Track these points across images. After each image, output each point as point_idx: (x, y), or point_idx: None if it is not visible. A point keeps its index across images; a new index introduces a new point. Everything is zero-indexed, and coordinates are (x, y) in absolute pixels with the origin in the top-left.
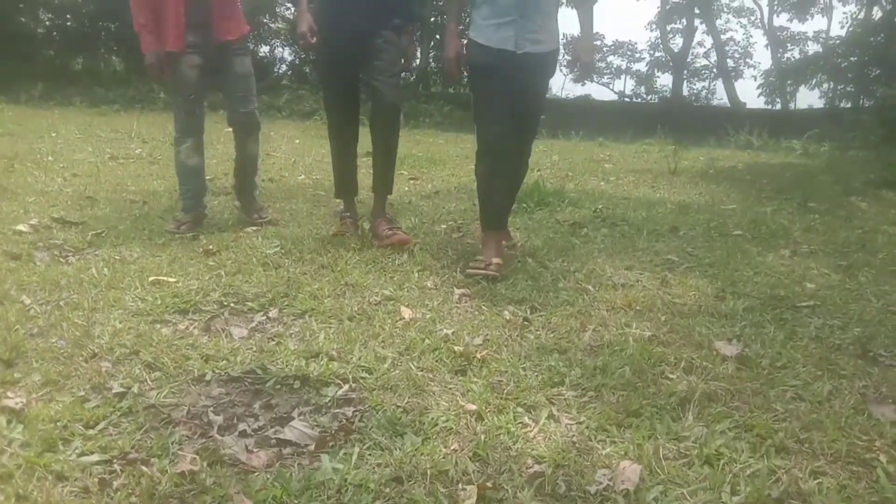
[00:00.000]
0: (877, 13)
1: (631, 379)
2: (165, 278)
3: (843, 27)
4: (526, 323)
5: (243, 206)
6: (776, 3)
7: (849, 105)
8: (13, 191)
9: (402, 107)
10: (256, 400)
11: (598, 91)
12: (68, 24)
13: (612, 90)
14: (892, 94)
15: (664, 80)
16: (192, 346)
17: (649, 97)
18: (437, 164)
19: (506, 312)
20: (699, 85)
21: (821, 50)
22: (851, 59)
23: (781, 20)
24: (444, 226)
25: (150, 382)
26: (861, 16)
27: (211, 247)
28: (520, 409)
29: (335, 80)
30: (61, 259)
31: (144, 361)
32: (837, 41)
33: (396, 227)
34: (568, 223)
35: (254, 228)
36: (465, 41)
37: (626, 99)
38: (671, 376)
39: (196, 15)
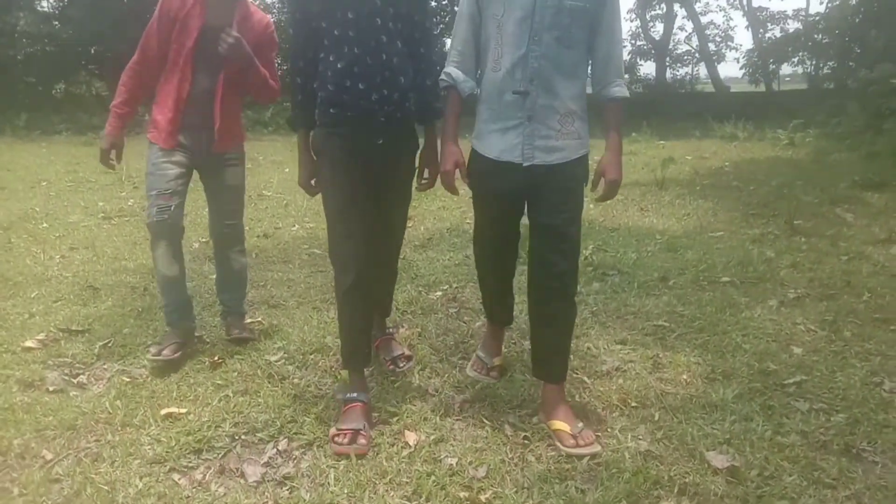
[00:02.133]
0: None
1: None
2: (177, 409)
3: (821, 4)
4: (526, 441)
5: (225, 321)
6: None
7: (832, 86)
8: (15, 281)
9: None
10: None
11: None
12: (48, 48)
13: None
14: (873, 77)
15: (647, 67)
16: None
17: (634, 86)
18: (427, 194)
19: (506, 426)
20: (682, 70)
21: (801, 27)
22: (835, 32)
23: (761, 0)
24: (439, 293)
25: None
26: None
27: (216, 357)
28: None
29: (347, 240)
30: (72, 380)
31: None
32: (817, 17)
33: (401, 357)
34: None
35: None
36: (470, 150)
37: None
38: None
39: (195, 117)
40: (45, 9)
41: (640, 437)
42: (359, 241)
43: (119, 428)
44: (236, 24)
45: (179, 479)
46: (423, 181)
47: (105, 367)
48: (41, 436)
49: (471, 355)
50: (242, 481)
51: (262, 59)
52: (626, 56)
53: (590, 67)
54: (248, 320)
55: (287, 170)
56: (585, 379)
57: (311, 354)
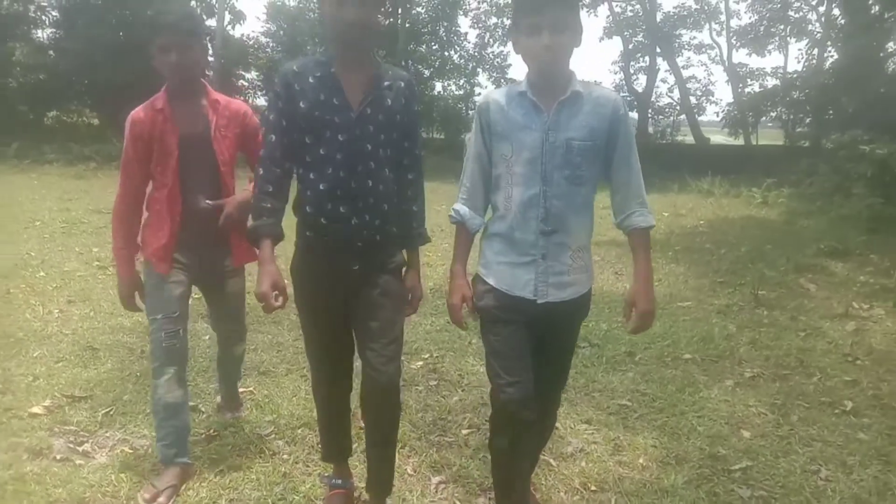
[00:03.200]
0: (829, 54)
1: None
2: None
3: (799, 62)
4: None
5: (220, 395)
6: (734, 38)
7: (807, 144)
8: (16, 338)
9: (401, 386)
10: None
11: None
12: (42, 77)
13: None
14: (844, 141)
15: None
16: None
17: None
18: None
19: None
20: (664, 122)
21: (779, 84)
22: (808, 91)
23: (741, 56)
24: (420, 363)
25: None
26: (815, 54)
27: (212, 430)
28: None
29: (323, 351)
30: (77, 448)
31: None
32: (794, 75)
33: None
34: None
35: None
36: (473, 277)
37: None
38: None
39: (192, 237)
40: (42, 39)
41: None
42: (334, 369)
43: (125, 502)
44: (214, 118)
45: None
46: (407, 307)
47: (107, 435)
48: None
49: (449, 431)
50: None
51: (252, 145)
52: None
53: (611, 197)
54: (241, 389)
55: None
56: (552, 461)
57: (299, 429)
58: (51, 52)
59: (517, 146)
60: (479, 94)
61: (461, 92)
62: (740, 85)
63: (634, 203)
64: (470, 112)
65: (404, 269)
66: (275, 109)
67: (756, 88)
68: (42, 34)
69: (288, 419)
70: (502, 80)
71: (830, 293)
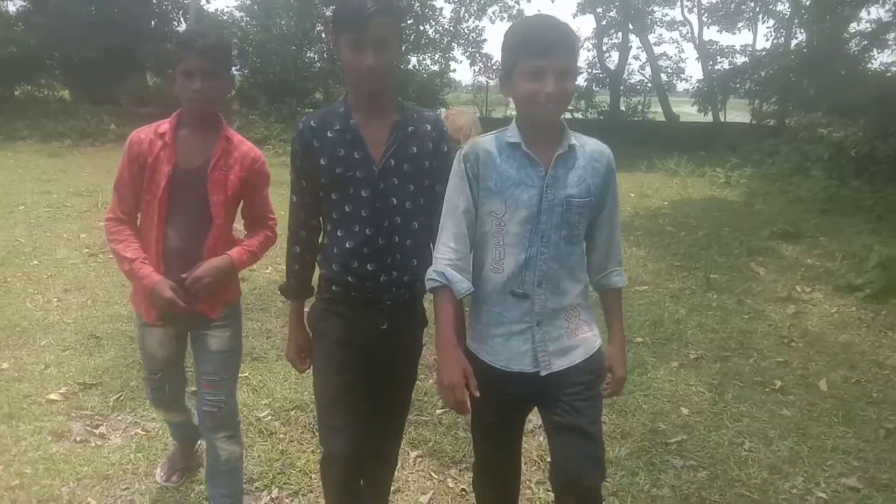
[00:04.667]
0: (796, 34)
1: None
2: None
3: (767, 40)
4: (464, 492)
5: None
6: (705, 15)
7: (772, 123)
8: (22, 327)
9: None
10: None
11: None
12: (12, 50)
13: None
14: (805, 123)
15: (603, 94)
16: None
17: (589, 112)
18: None
19: (449, 479)
20: (635, 99)
21: (748, 61)
22: (774, 69)
23: (711, 33)
24: None
25: None
26: (782, 33)
27: None
28: None
29: (336, 431)
30: (94, 430)
31: None
32: (763, 52)
33: None
34: None
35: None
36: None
37: (568, 115)
38: None
39: (173, 279)
40: (11, 12)
41: (549, 489)
42: (350, 435)
43: (143, 477)
44: (217, 154)
45: None
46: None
47: (120, 418)
48: (81, 484)
49: (425, 411)
50: None
51: (253, 198)
52: (582, 83)
53: (587, 254)
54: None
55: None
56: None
57: (292, 411)
58: (20, 26)
59: (511, 204)
60: (454, 69)
61: (436, 67)
62: (710, 62)
63: (614, 262)
64: (445, 88)
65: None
66: (294, 169)
67: (726, 66)
68: (11, 7)
69: (282, 402)
70: (477, 55)
71: (778, 276)
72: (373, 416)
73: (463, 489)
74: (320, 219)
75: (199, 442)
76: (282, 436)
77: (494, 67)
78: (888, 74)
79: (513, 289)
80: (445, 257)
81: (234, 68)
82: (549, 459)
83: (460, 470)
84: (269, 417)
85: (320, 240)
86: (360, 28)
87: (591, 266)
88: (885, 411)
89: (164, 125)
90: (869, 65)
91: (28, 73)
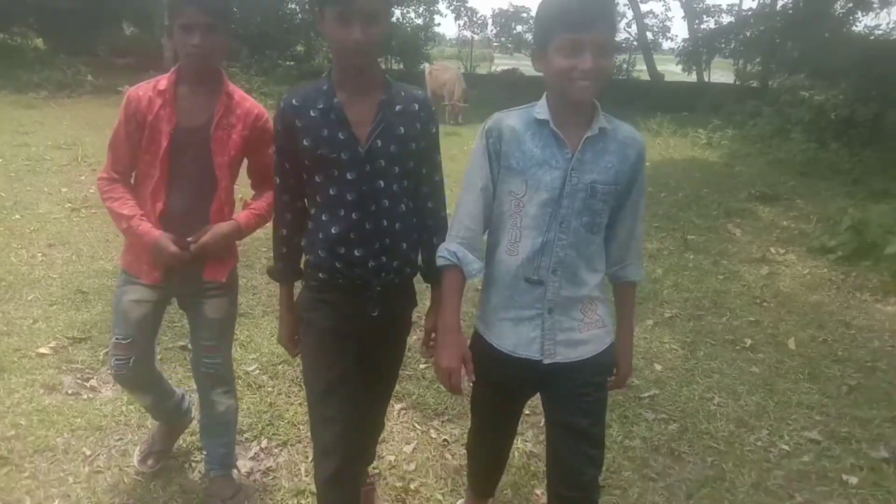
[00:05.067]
0: None
1: (511, 499)
2: None
3: (753, 0)
4: (445, 442)
5: (208, 476)
6: None
7: (756, 84)
8: (7, 281)
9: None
10: None
11: (525, 62)
12: None
13: None
14: (787, 85)
15: None
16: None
17: None
18: None
19: (432, 431)
20: (620, 57)
21: (733, 21)
22: (759, 29)
23: None
24: None
25: None
26: None
27: None
28: None
29: (330, 424)
30: (84, 383)
31: None
32: (749, 12)
33: None
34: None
35: None
36: (472, 332)
37: None
38: (538, 492)
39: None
40: None
41: (527, 440)
42: (344, 424)
43: (136, 428)
44: (220, 112)
45: (189, 471)
46: (431, 344)
47: (110, 372)
48: (76, 435)
49: (409, 366)
50: (236, 472)
51: (259, 157)
52: None
53: (605, 242)
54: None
55: None
56: None
57: (279, 365)
58: None
59: (533, 184)
60: (439, 23)
61: (420, 20)
62: (696, 21)
63: (633, 254)
64: (429, 42)
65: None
66: (277, 150)
67: (712, 25)
68: None
69: (269, 357)
70: (462, 9)
71: (754, 238)
72: (363, 396)
73: (445, 440)
74: (304, 201)
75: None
76: (269, 389)
77: (479, 21)
78: (871, 38)
79: (527, 273)
80: (459, 235)
81: (231, 22)
82: (526, 412)
83: (442, 421)
84: (258, 371)
85: (306, 224)
86: (347, 1)
87: (609, 256)
88: (849, 369)
89: (164, 81)
90: (853, 27)
91: (2, 22)
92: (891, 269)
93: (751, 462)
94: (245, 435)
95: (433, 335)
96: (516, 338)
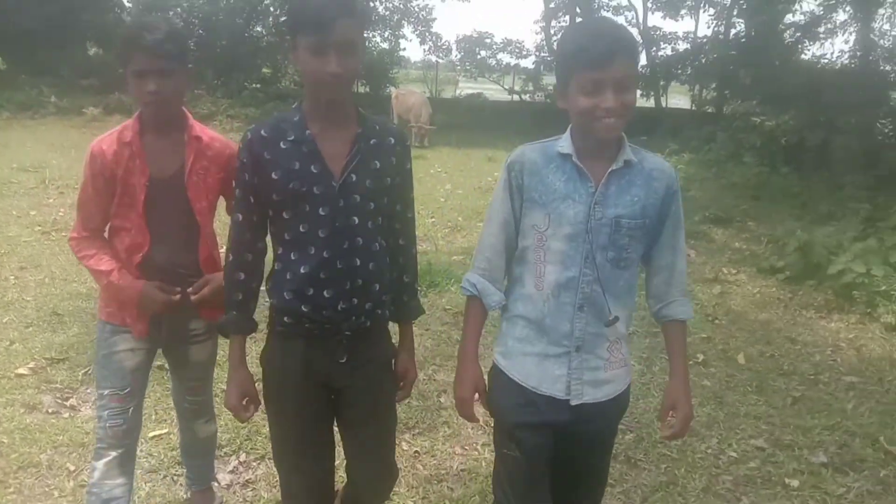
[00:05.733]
0: (735, 23)
1: None
2: (160, 431)
3: (709, 28)
4: (416, 454)
5: (191, 494)
6: (650, 1)
7: (712, 110)
8: None
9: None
10: None
11: (489, 87)
12: None
13: (504, 87)
14: (740, 111)
15: (550, 78)
16: None
17: (537, 95)
18: None
19: (403, 443)
20: None
21: (689, 48)
22: (714, 56)
23: (655, 19)
24: None
25: None
26: (723, 22)
27: None
28: None
29: (298, 456)
30: (64, 403)
31: None
32: (704, 39)
33: None
34: (452, 312)
35: None
36: (490, 368)
37: (516, 96)
38: None
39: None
40: None
41: (493, 451)
42: (311, 476)
43: None
44: (191, 158)
45: (171, 484)
46: (399, 391)
47: (88, 391)
48: (59, 451)
49: None
50: (216, 484)
51: (231, 198)
52: (530, 66)
53: (646, 280)
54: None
55: None
56: None
57: (257, 383)
58: None
59: (555, 219)
60: (405, 48)
61: (386, 45)
62: (654, 48)
63: (677, 291)
64: (395, 67)
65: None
66: (241, 183)
67: (669, 52)
68: None
69: None
70: (427, 34)
71: (707, 258)
72: (331, 449)
73: (416, 451)
74: (265, 241)
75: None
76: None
77: (444, 46)
78: (818, 66)
79: (553, 309)
80: (480, 266)
81: (189, 61)
82: (491, 423)
83: (413, 435)
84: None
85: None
86: (323, 32)
87: (651, 293)
88: (794, 381)
89: (127, 132)
90: (802, 55)
91: None
92: (833, 287)
93: (701, 468)
94: (224, 450)
95: (404, 379)
96: (541, 374)
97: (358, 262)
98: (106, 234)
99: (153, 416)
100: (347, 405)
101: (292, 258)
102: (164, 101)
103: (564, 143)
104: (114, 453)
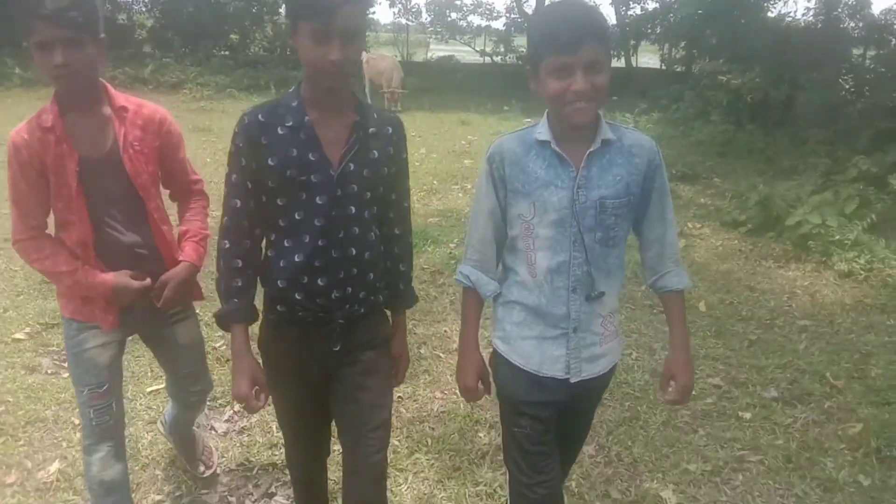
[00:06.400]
0: None
1: (458, 443)
2: (157, 387)
3: None
4: (400, 399)
5: (187, 463)
6: None
7: (681, 69)
8: None
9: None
10: (248, 483)
11: (461, 49)
12: None
13: (474, 49)
14: (707, 69)
15: (521, 40)
16: None
17: (508, 56)
18: None
19: None
20: None
21: (658, 7)
22: (681, 15)
23: None
24: None
25: (185, 480)
26: None
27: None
28: (396, 472)
29: (300, 430)
30: (62, 364)
31: (182, 468)
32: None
33: None
34: (429, 271)
35: None
36: (491, 354)
37: (488, 58)
38: (481, 434)
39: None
40: None
41: None
42: (313, 455)
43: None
44: (122, 131)
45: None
46: (393, 377)
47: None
48: (63, 407)
49: None
50: (214, 432)
51: (172, 163)
52: (501, 28)
53: (641, 254)
54: None
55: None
56: (441, 355)
57: None
58: None
59: (540, 206)
60: (374, 11)
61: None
62: (623, 7)
63: (670, 262)
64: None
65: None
66: (237, 168)
67: (638, 12)
68: None
69: None
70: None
71: (674, 215)
72: (351, 427)
73: (399, 396)
74: (262, 231)
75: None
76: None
77: (413, 9)
78: (782, 24)
79: (546, 293)
80: (472, 258)
81: (101, 29)
82: None
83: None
84: (224, 347)
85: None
86: (327, 18)
87: (646, 266)
88: (751, 326)
89: (47, 116)
90: (768, 13)
91: None
92: (791, 238)
93: (661, 405)
94: (219, 401)
95: (397, 364)
96: (541, 356)
97: (353, 252)
98: (52, 232)
99: (149, 374)
100: (340, 386)
101: (286, 245)
102: (74, 74)
103: (542, 130)
104: (105, 447)
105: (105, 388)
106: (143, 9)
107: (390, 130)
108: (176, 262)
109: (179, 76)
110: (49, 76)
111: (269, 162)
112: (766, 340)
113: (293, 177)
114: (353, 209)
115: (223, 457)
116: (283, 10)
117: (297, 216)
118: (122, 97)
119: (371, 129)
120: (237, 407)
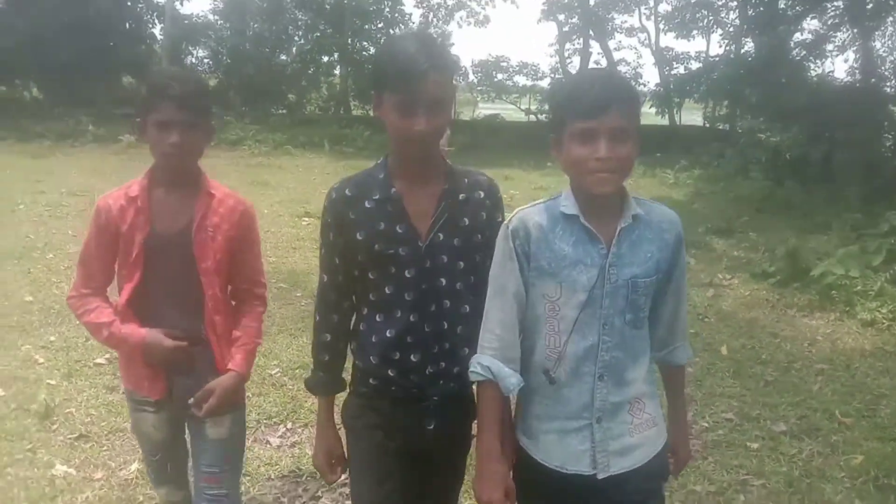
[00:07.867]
0: (746, 44)
1: None
2: None
3: (720, 47)
4: None
5: None
6: (662, 22)
7: (726, 127)
8: (56, 309)
9: None
10: (298, 487)
11: (506, 108)
12: None
13: (520, 107)
14: (747, 128)
15: None
16: (257, 458)
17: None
18: None
19: None
20: None
21: (702, 66)
22: (725, 73)
23: (668, 40)
24: None
25: (245, 482)
26: (732, 42)
27: None
28: None
29: None
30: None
31: None
32: (716, 58)
33: None
34: None
35: None
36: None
37: (532, 117)
38: None
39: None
40: None
41: None
42: None
43: None
44: (200, 213)
45: None
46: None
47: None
48: None
49: None
50: (269, 445)
51: (243, 260)
52: (546, 87)
53: (649, 326)
54: None
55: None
56: None
57: (297, 369)
58: None
59: (568, 287)
60: None
61: None
62: (667, 67)
63: (679, 337)
64: None
65: None
66: (326, 243)
67: (682, 71)
68: None
69: (288, 363)
70: None
71: (706, 266)
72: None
73: None
74: (353, 299)
75: None
76: (290, 387)
77: (461, 71)
78: (822, 83)
79: (572, 381)
80: (491, 346)
81: (212, 117)
82: None
83: None
84: (279, 373)
85: (353, 325)
86: (412, 88)
87: (655, 341)
88: (769, 368)
89: (135, 187)
90: (809, 73)
91: (3, 74)
92: (817, 289)
93: None
94: (273, 419)
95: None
96: (564, 452)
97: (445, 326)
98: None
99: None
100: (425, 471)
101: (378, 320)
102: (184, 155)
103: (567, 203)
104: (167, 487)
105: (158, 456)
106: (207, 70)
107: (482, 195)
108: (222, 355)
109: (239, 133)
110: (159, 153)
111: (358, 236)
112: (781, 381)
113: (381, 251)
114: (444, 281)
115: (276, 465)
116: (337, 71)
117: (387, 290)
118: (214, 183)
119: (461, 196)
120: (289, 425)
